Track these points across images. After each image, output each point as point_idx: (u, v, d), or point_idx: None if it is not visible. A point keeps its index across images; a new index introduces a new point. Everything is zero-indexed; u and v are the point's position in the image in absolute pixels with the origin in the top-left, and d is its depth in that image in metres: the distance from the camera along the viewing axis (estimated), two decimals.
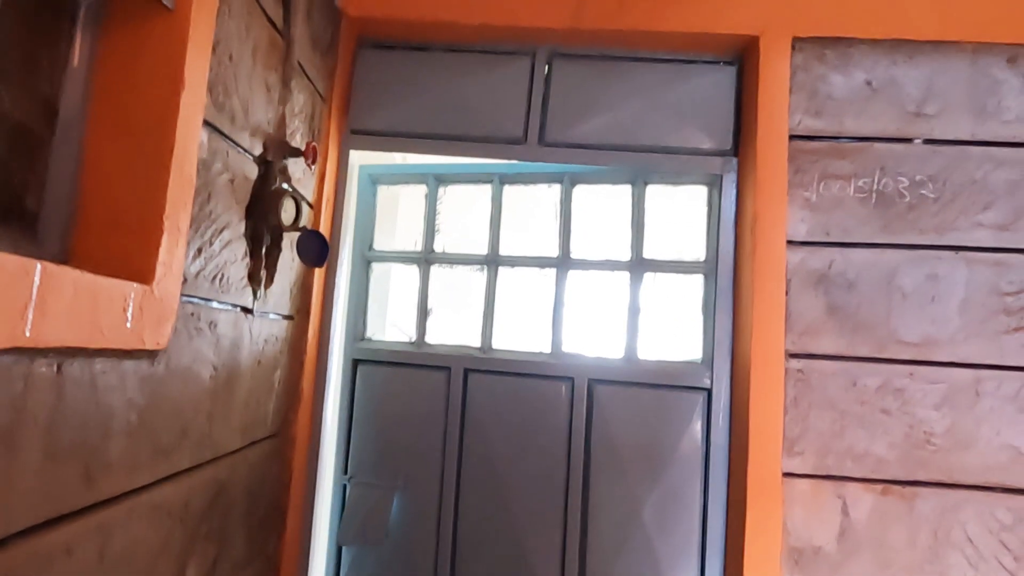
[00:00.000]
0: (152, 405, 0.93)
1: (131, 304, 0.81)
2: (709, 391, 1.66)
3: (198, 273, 1.05)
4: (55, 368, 0.72)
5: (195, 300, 1.05)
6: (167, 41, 0.89)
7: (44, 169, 0.83)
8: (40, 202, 0.82)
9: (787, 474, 1.51)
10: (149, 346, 0.87)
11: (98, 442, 0.81)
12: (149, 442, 0.94)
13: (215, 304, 1.13)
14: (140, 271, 0.85)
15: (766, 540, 1.50)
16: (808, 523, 1.50)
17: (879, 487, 1.50)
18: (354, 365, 1.89)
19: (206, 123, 1.01)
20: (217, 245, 1.11)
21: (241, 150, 1.17)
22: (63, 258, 0.85)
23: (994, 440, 1.49)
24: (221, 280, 1.14)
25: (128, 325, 0.81)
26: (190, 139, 0.93)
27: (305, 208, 1.42)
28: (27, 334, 0.63)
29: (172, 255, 0.90)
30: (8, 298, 0.60)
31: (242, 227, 1.21)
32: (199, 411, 1.10)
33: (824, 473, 1.51)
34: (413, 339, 1.90)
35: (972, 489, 1.48)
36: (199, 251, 1.05)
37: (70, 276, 0.69)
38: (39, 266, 0.64)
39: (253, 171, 1.24)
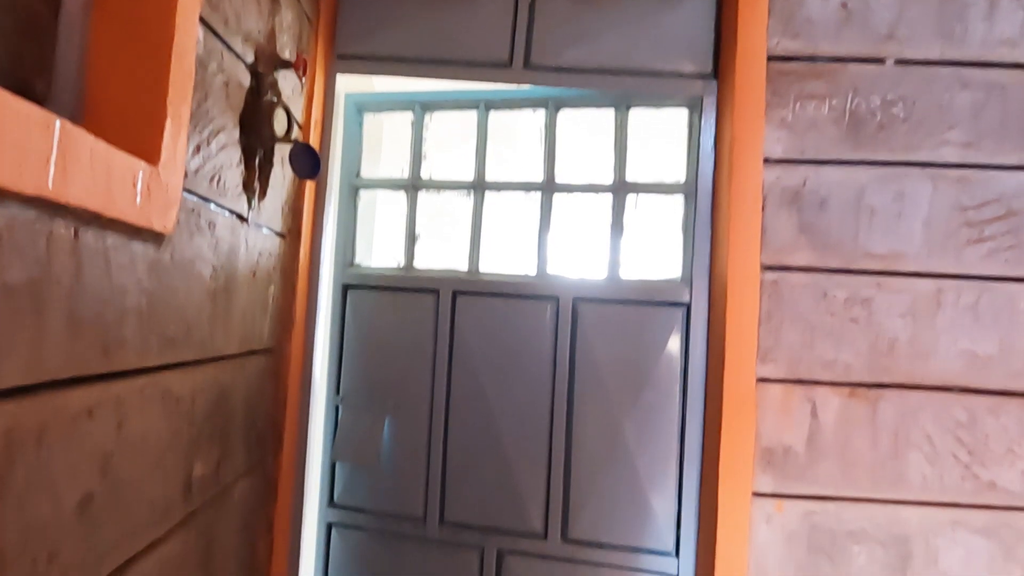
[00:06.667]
0: (159, 291, 0.97)
1: (140, 181, 0.84)
2: (688, 306, 1.74)
3: (197, 170, 1.08)
4: (73, 232, 0.75)
5: (195, 197, 1.08)
6: None
7: (51, 55, 0.85)
8: (48, 86, 0.85)
9: (761, 379, 1.60)
10: (157, 228, 0.90)
11: (113, 317, 0.85)
12: (158, 330, 0.98)
13: (213, 206, 1.16)
14: (146, 151, 0.88)
15: (740, 443, 1.59)
16: (779, 425, 1.60)
17: (846, 390, 1.59)
18: (344, 291, 1.93)
19: (202, 20, 1.03)
20: (214, 146, 1.13)
21: (235, 55, 1.19)
22: None
23: (952, 347, 1.59)
24: (218, 183, 1.17)
25: (138, 201, 0.84)
26: (188, 31, 0.95)
27: (295, 121, 1.45)
28: (50, 186, 0.67)
29: (175, 141, 0.93)
30: (33, 146, 0.63)
31: (236, 133, 1.23)
32: (201, 311, 1.14)
33: (795, 377, 1.60)
34: (402, 264, 1.95)
35: (931, 390, 1.58)
36: (198, 148, 1.07)
37: (87, 139, 0.72)
38: (58, 121, 0.67)
39: (246, 78, 1.25)
